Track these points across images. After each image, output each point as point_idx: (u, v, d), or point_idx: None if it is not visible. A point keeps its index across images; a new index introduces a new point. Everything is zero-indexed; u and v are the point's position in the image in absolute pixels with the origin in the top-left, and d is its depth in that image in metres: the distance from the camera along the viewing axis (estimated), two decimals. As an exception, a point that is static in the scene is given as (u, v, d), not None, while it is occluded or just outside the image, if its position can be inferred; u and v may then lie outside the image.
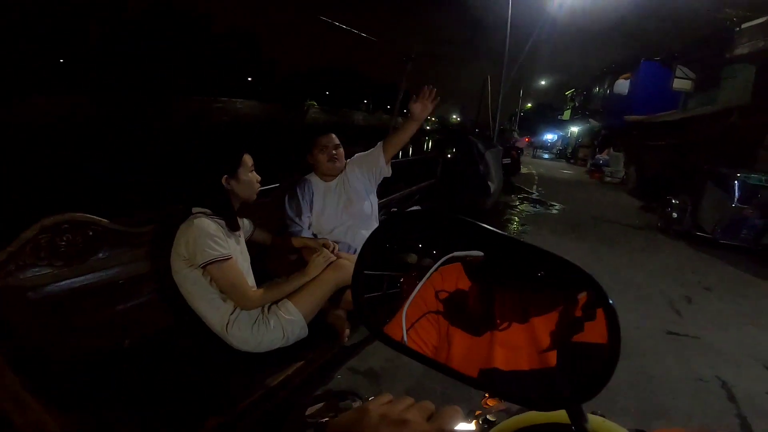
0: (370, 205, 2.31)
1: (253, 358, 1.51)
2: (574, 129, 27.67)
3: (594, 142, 21.03)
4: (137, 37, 30.42)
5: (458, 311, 0.49)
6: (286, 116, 34.30)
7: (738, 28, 8.36)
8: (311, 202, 2.17)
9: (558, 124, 35.54)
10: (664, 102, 13.98)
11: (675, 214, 6.96)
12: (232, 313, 1.49)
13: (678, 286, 4.30)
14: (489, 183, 4.88)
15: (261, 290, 1.55)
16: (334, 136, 2.19)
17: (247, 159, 1.60)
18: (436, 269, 0.49)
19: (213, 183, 1.53)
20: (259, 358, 1.51)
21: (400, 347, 0.47)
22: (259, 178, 1.64)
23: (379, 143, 2.27)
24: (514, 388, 0.45)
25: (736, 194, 5.97)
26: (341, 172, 2.23)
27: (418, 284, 0.49)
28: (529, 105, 47.06)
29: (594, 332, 0.41)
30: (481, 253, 0.47)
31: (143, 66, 29.22)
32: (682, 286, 4.34)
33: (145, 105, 23.91)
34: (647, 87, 15.84)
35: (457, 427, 0.40)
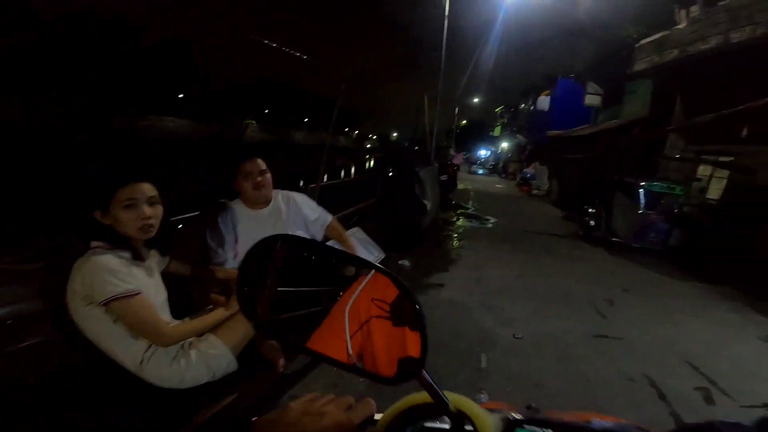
0: (307, 234, 2.23)
1: (178, 395, 1.42)
2: (504, 145, 29.51)
3: (521, 156, 22.55)
4: (51, 47, 27.48)
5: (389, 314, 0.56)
6: (222, 135, 32.85)
7: (637, 45, 9.13)
8: (236, 231, 2.03)
9: (490, 140, 37.69)
10: (580, 117, 15.27)
11: (592, 223, 7.64)
12: (146, 351, 1.38)
13: (601, 290, 4.68)
14: (425, 201, 4.99)
15: (178, 325, 1.45)
16: (259, 161, 2.06)
17: (128, 191, 1.37)
18: (367, 281, 0.57)
19: (86, 218, 1.37)
20: (186, 394, 1.42)
21: (327, 359, 0.55)
22: (145, 214, 1.39)
23: (331, 219, 2.33)
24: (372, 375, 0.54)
25: (642, 202, 6.67)
26: (268, 199, 2.12)
27: (353, 296, 0.58)
28: (464, 122, 49.62)
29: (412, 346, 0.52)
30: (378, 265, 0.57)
31: (57, 79, 26.40)
32: (604, 289, 4.72)
33: (57, 123, 21.54)
34: (565, 103, 17.20)
35: (368, 416, 0.47)
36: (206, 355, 1.46)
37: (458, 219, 8.56)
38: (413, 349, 0.51)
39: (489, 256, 5.73)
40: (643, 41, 8.75)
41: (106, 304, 1.27)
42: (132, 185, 1.38)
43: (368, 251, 4.82)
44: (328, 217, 2.35)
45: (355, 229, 4.96)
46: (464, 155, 30.15)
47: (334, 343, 0.56)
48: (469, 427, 0.50)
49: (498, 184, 19.40)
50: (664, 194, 6.79)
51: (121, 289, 1.28)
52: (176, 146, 24.35)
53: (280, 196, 2.20)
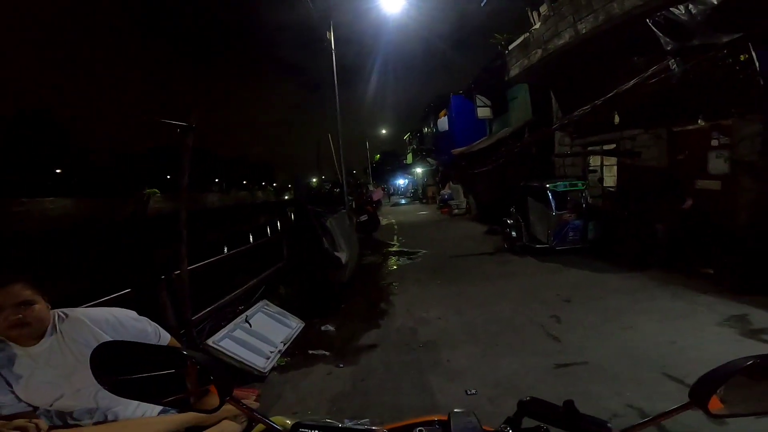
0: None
1: None
2: (419, 170, 30.32)
3: (436, 179, 23.19)
4: None
5: None
6: (116, 211, 29.33)
7: (507, 51, 9.41)
8: (4, 373, 1.44)
9: (405, 168, 38.73)
10: (478, 130, 15.87)
11: (513, 233, 7.61)
12: None
13: (543, 308, 4.37)
14: (337, 255, 4.38)
15: None
16: (19, 287, 1.41)
17: None
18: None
19: None
20: None
21: None
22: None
23: (166, 339, 1.78)
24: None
25: (552, 203, 6.78)
26: (38, 335, 1.48)
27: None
28: (378, 156, 50.81)
29: None
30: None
31: None
32: (545, 305, 4.43)
33: None
34: (461, 120, 17.78)
35: None
36: None
37: (385, 259, 8.07)
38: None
39: (422, 296, 5.24)
40: (511, 46, 9.14)
41: None
42: None
43: (283, 324, 4.04)
44: (165, 338, 1.73)
45: (261, 303, 4.16)
46: (383, 188, 30.54)
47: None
48: None
49: (421, 211, 19.62)
50: (569, 191, 7.01)
51: None
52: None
53: (68, 320, 1.56)
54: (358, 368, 3.34)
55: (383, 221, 14.36)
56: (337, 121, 10.51)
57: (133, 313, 1.69)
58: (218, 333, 3.34)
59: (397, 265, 7.47)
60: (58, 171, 34.55)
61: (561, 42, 6.85)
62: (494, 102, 14.76)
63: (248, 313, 3.81)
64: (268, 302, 4.08)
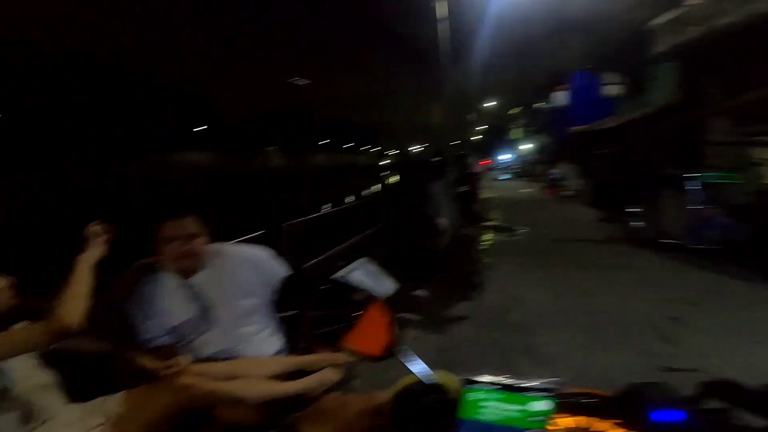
0: (255, 299, 1.75)
1: None
2: (526, 146, 28.54)
3: (545, 157, 21.50)
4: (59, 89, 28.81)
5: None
6: (243, 165, 33.49)
7: (653, 26, 8.48)
8: (161, 302, 1.61)
9: (511, 143, 36.70)
10: (602, 110, 14.33)
11: (637, 224, 6.79)
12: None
13: (660, 306, 3.86)
14: (438, 222, 4.38)
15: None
16: (188, 221, 1.59)
17: None
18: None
19: None
20: None
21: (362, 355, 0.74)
22: None
23: None
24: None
25: (697, 195, 5.84)
26: (196, 268, 1.66)
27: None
28: (483, 128, 48.72)
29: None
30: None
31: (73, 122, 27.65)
32: (663, 305, 3.90)
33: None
34: (583, 96, 16.31)
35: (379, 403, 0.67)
36: None
37: (483, 233, 7.86)
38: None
39: (519, 276, 5.02)
40: (658, 21, 7.99)
41: None
42: None
43: (379, 284, 4.24)
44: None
45: (362, 260, 4.40)
46: (486, 162, 29.37)
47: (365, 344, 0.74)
48: (451, 398, 0.62)
49: (524, 189, 18.48)
50: (719, 184, 5.93)
51: None
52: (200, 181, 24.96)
53: (221, 255, 1.73)
54: (445, 338, 3.38)
55: (483, 195, 13.94)
56: (443, 92, 10.27)
57: (272, 254, 1.83)
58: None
59: (494, 241, 7.24)
60: (198, 129, 40.50)
61: (728, 20, 5.82)
62: (627, 80, 13.13)
63: (350, 268, 4.06)
64: (368, 260, 4.31)
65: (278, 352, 1.76)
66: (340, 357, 1.81)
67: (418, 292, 4.28)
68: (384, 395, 0.62)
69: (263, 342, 1.73)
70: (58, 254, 1.73)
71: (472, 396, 0.55)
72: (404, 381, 0.70)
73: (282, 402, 1.52)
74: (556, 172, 16.34)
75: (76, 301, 1.24)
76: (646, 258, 5.83)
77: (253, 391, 1.42)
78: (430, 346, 3.22)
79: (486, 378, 0.57)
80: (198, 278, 1.67)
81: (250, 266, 1.77)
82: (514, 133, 34.23)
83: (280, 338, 1.82)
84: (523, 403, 0.57)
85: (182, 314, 1.64)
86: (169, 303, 1.63)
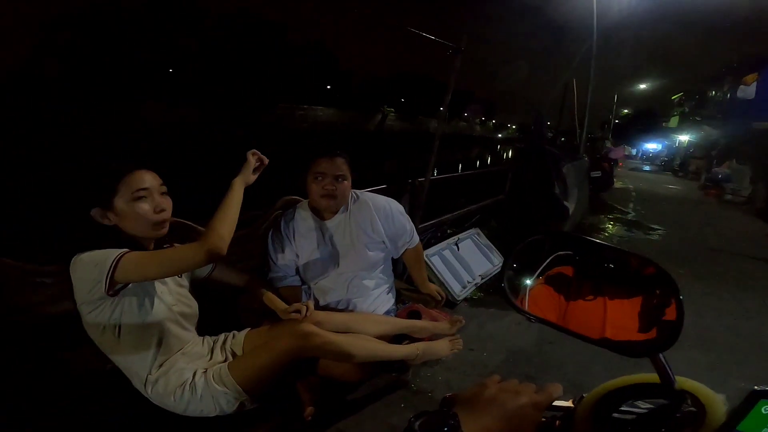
0: (380, 253, 1.80)
1: (187, 421, 1.29)
2: (683, 138, 24.28)
3: (710, 152, 17.98)
4: (218, 45, 33.22)
5: (574, 293, 0.65)
6: (364, 123, 35.10)
7: None
8: (296, 240, 1.71)
9: (662, 132, 31.55)
10: None
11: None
12: (150, 373, 1.24)
13: None
14: (566, 204, 3.98)
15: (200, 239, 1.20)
16: (341, 161, 1.66)
17: (137, 180, 1.18)
18: (548, 263, 0.67)
19: (80, 220, 1.17)
20: (195, 422, 1.29)
21: (530, 316, 0.66)
22: (161, 206, 1.21)
23: (415, 243, 1.94)
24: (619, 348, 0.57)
25: None
26: (337, 209, 1.73)
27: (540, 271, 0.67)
28: (627, 111, 42.27)
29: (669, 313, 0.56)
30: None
31: (226, 74, 31.86)
32: None
33: (233, 111, 26.02)
34: None
35: (556, 398, 0.52)
36: (214, 390, 1.26)
37: (612, 225, 6.98)
38: (670, 314, 0.55)
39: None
40: None
41: (109, 288, 1.09)
42: (139, 173, 1.17)
43: (486, 257, 4.14)
44: (415, 240, 1.90)
45: (473, 230, 4.32)
46: (626, 149, 25.70)
47: (583, 323, 0.62)
48: (692, 409, 0.51)
49: (672, 185, 15.69)
50: None
51: (113, 256, 1.08)
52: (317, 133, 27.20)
53: (358, 201, 1.78)
54: (551, 329, 3.14)
55: (618, 184, 12.30)
56: (585, 65, 9.01)
57: (402, 208, 1.87)
58: (432, 248, 3.54)
59: (626, 236, 6.38)
60: (328, 87, 43.06)
61: None
62: None
63: (460, 236, 4.01)
64: (479, 231, 4.20)
65: (389, 311, 1.79)
66: (447, 328, 1.78)
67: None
68: (555, 388, 0.52)
69: (379, 298, 1.77)
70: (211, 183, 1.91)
71: (765, 409, 0.47)
72: (621, 380, 0.58)
73: (377, 365, 1.55)
74: (722, 171, 13.54)
75: (226, 223, 1.22)
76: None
77: (362, 349, 1.43)
78: (532, 334, 3.00)
79: None
80: (335, 221, 1.71)
81: (383, 218, 1.79)
82: (671, 121, 28.98)
83: (393, 297, 1.86)
84: None
85: (312, 256, 1.69)
86: (303, 242, 1.69)
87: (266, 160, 1.42)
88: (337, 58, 47.49)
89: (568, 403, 0.58)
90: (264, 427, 1.37)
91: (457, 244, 3.89)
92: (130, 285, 1.15)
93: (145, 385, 1.24)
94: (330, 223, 1.72)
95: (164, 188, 1.25)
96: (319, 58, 42.08)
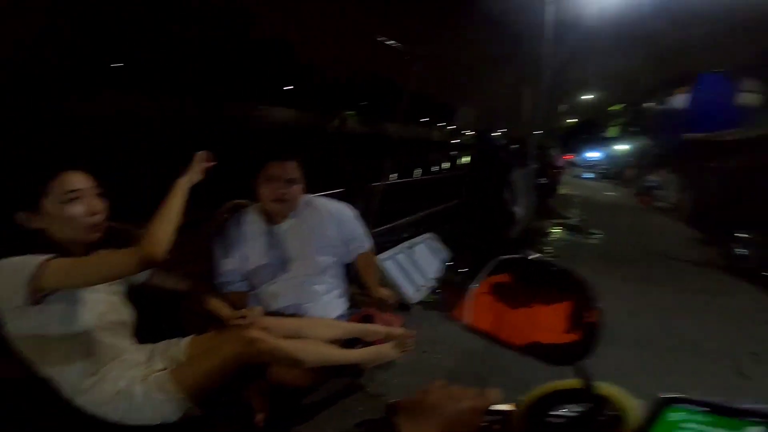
0: (331, 257, 1.78)
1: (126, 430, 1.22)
2: (621, 147, 26.23)
3: (643, 161, 19.61)
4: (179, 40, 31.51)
5: (507, 301, 0.66)
6: (324, 125, 34.69)
7: None
8: (243, 244, 1.66)
9: (603, 141, 33.94)
10: (731, 119, 12.68)
11: (742, 251, 5.97)
12: (88, 377, 1.16)
13: (744, 340, 3.50)
14: (514, 210, 4.19)
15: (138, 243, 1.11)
16: (292, 165, 1.64)
17: (69, 181, 1.11)
18: (488, 270, 0.69)
19: (2, 223, 1.09)
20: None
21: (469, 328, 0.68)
22: (95, 209, 1.15)
23: (366, 248, 1.93)
24: (545, 354, 0.60)
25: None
26: (290, 214, 1.70)
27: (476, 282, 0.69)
28: (573, 120, 45.16)
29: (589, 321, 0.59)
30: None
31: (181, 69, 30.30)
32: (748, 339, 3.53)
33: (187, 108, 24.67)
34: (709, 102, 14.73)
35: (496, 403, 0.54)
36: (154, 398, 1.20)
37: (556, 230, 7.41)
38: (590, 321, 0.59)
39: (589, 281, 4.67)
40: None
41: (32, 294, 1.01)
42: (71, 174, 1.09)
43: (440, 262, 4.23)
44: (367, 244, 1.90)
45: (427, 235, 4.43)
46: (571, 157, 27.33)
47: (517, 330, 0.64)
48: (612, 413, 0.55)
49: (610, 191, 16.97)
50: None
51: (35, 263, 1.01)
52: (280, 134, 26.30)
53: (308, 205, 1.76)
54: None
55: (562, 190, 13.09)
56: (537, 77, 9.53)
57: (354, 213, 1.88)
58: (386, 252, 3.56)
59: (569, 240, 6.82)
60: (289, 87, 42.13)
61: None
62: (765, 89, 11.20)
63: (415, 241, 4.08)
64: (434, 235, 4.30)
65: (341, 316, 1.77)
66: (402, 332, 1.74)
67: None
68: (494, 393, 0.54)
69: (330, 303, 1.75)
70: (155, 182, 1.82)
71: (671, 416, 0.49)
72: (548, 387, 0.60)
73: (329, 369, 1.53)
74: (653, 179, 14.81)
75: (165, 228, 1.17)
76: (743, 290, 5.15)
77: (313, 354, 1.41)
78: (476, 342, 3.12)
79: (690, 397, 0.51)
80: (285, 225, 1.68)
81: (335, 222, 1.78)
82: (610, 131, 31.31)
83: (345, 302, 1.85)
84: (735, 429, 0.49)
85: (261, 261, 1.65)
86: (252, 247, 1.64)
87: (214, 161, 1.38)
88: (297, 57, 46.62)
89: (509, 407, 0.60)
90: None
91: (411, 249, 3.97)
92: (57, 293, 1.07)
93: (76, 395, 1.17)
94: (280, 228, 1.69)
95: (99, 190, 1.18)
96: (279, 56, 41.08)
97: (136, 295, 1.39)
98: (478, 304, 0.69)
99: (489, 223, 4.13)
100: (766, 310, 4.43)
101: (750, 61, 11.91)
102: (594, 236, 7.31)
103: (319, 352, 1.45)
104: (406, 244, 3.96)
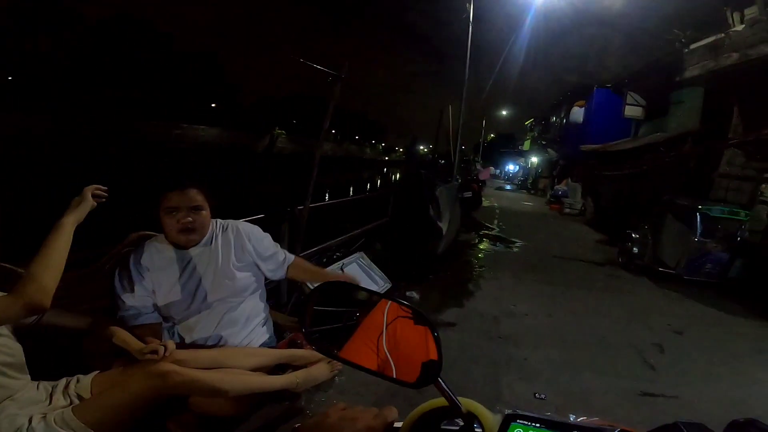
0: (252, 276, 1.71)
1: None
2: (534, 159, 28.34)
3: (552, 172, 21.42)
4: (94, 52, 28.78)
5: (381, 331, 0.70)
6: (252, 144, 33.34)
7: (687, 50, 8.41)
8: (151, 275, 1.54)
9: (519, 154, 36.53)
10: (619, 130, 14.06)
11: (635, 249, 6.74)
12: None
13: (647, 333, 3.97)
14: (440, 225, 4.39)
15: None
16: (194, 192, 1.53)
17: None
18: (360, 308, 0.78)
19: None
20: None
21: (354, 365, 0.66)
22: None
23: (292, 258, 1.86)
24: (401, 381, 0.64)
25: (699, 228, 5.80)
26: (198, 241, 1.60)
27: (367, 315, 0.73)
28: (492, 135, 48.59)
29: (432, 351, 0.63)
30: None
31: (98, 83, 27.59)
32: (651, 332, 4.01)
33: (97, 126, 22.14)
34: (601, 115, 15.90)
35: (392, 421, 0.57)
36: None
37: (481, 241, 7.87)
38: (433, 355, 0.62)
39: (512, 288, 5.04)
40: (695, 45, 7.93)
41: None
42: None
43: (371, 280, 4.28)
44: (290, 257, 1.84)
45: (357, 254, 4.44)
46: (492, 170, 29.28)
47: (364, 353, 0.68)
48: (478, 429, 0.58)
49: (526, 201, 18.47)
50: (725, 220, 5.90)
51: None
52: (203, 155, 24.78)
53: (218, 228, 1.68)
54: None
55: (485, 203, 13.94)
56: (459, 94, 10.21)
57: (268, 236, 1.82)
58: None
59: (492, 250, 7.25)
60: (213, 105, 40.19)
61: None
62: (650, 102, 12.83)
63: (344, 261, 4.07)
64: (363, 255, 4.32)
65: (265, 343, 1.70)
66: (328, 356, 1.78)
67: (411, 293, 4.30)
68: (390, 412, 0.57)
69: (254, 331, 1.67)
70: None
71: (516, 431, 0.53)
72: (429, 404, 0.63)
73: (262, 396, 1.47)
74: (561, 188, 16.32)
75: (50, 270, 1.09)
76: (639, 285, 5.88)
77: (235, 384, 1.36)
78: None
79: (530, 413, 0.54)
80: (198, 249, 1.60)
81: (255, 239, 1.72)
82: (525, 144, 34.13)
83: (269, 328, 1.77)
84: None
85: (174, 289, 1.55)
86: (162, 276, 1.55)
87: (105, 196, 1.28)
88: (223, 72, 44.77)
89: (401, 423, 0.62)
90: None
91: (342, 269, 3.94)
92: None
93: None
94: (192, 252, 1.57)
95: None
96: (204, 71, 39.09)
97: (30, 333, 1.26)
98: (358, 339, 0.73)
99: (416, 239, 4.26)
100: (664, 304, 5.06)
101: (632, 76, 13.49)
102: (514, 245, 7.88)
103: (241, 381, 1.39)
104: (336, 264, 3.94)
